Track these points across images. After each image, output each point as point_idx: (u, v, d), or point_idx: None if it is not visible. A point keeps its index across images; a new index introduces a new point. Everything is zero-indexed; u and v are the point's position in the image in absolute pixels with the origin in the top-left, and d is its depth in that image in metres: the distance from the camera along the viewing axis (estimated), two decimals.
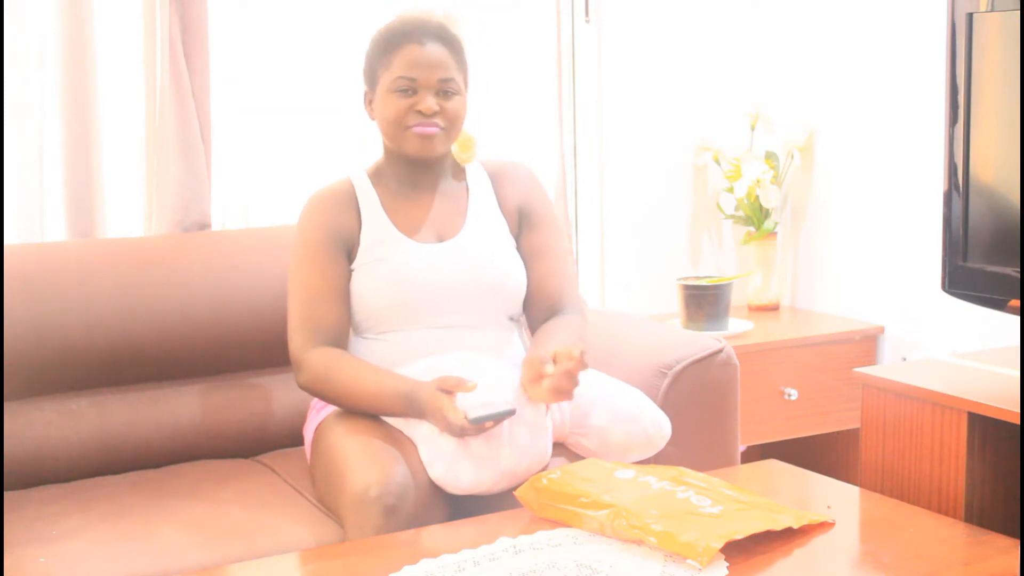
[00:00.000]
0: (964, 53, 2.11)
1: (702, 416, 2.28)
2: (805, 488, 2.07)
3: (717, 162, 3.23)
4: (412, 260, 2.14)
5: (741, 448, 2.57)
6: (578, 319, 2.20)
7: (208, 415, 2.37)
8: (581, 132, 3.16)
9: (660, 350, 2.30)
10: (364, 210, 2.18)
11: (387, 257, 2.14)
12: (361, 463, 1.91)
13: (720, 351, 2.30)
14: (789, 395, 2.93)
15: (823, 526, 1.79)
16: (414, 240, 2.17)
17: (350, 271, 2.16)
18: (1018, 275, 2.05)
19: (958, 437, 2.08)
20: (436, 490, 1.96)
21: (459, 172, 2.27)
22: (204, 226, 2.61)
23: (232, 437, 2.39)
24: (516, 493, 1.88)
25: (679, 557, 1.64)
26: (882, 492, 2.22)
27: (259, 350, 2.43)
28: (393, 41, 2.13)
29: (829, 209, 3.21)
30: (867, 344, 3.05)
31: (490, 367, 2.04)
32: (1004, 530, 2.01)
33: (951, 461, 2.09)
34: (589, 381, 2.12)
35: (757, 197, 3.16)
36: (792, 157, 3.24)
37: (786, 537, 1.74)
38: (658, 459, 2.11)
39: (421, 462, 1.96)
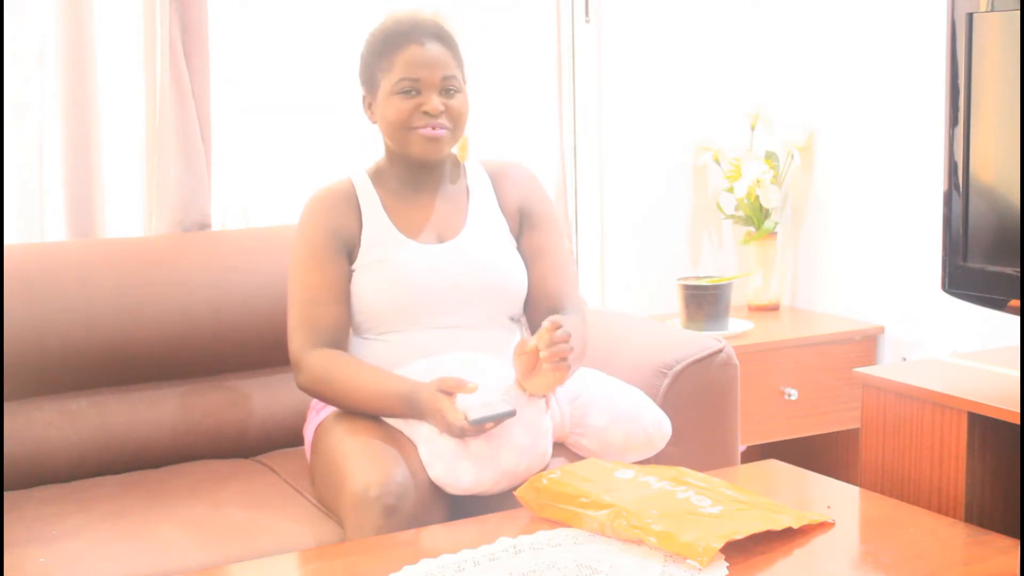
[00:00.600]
0: (964, 53, 2.11)
1: (702, 416, 2.27)
2: (805, 488, 2.07)
3: (717, 162, 3.23)
4: (413, 261, 2.14)
5: (741, 448, 2.57)
6: (578, 319, 2.20)
7: (208, 415, 2.37)
8: (581, 132, 3.16)
9: (660, 350, 2.30)
10: (365, 211, 2.18)
11: (388, 258, 2.14)
12: (361, 463, 1.91)
13: (720, 351, 2.30)
14: (789, 395, 2.93)
15: (823, 526, 1.79)
16: (415, 241, 2.17)
17: (350, 272, 2.16)
18: (1018, 275, 2.05)
19: (958, 437, 2.08)
20: (436, 490, 1.96)
21: (459, 172, 2.27)
22: (204, 226, 2.61)
23: (232, 437, 2.39)
24: (516, 493, 1.88)
25: (679, 557, 1.64)
26: (882, 492, 2.22)
27: (259, 350, 2.43)
28: (392, 43, 2.12)
29: (829, 209, 3.21)
30: (867, 344, 3.05)
31: (490, 367, 2.04)
32: (1004, 530, 2.01)
33: (951, 461, 2.09)
34: (589, 381, 2.12)
35: (757, 197, 3.16)
36: (792, 157, 3.24)
37: (786, 537, 1.74)
38: (658, 459, 2.11)
39: (421, 462, 1.96)
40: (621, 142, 3.17)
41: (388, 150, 2.21)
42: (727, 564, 1.64)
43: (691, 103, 3.24)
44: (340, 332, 2.13)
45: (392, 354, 2.11)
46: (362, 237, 2.16)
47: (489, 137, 2.96)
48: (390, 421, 2.05)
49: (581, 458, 2.04)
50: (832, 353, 3.00)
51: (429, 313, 2.13)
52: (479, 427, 1.90)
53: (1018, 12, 2.00)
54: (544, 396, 2.02)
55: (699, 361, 2.27)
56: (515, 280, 2.20)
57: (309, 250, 2.14)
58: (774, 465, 2.15)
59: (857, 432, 2.80)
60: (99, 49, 2.53)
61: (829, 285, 3.23)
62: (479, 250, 2.19)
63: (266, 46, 2.78)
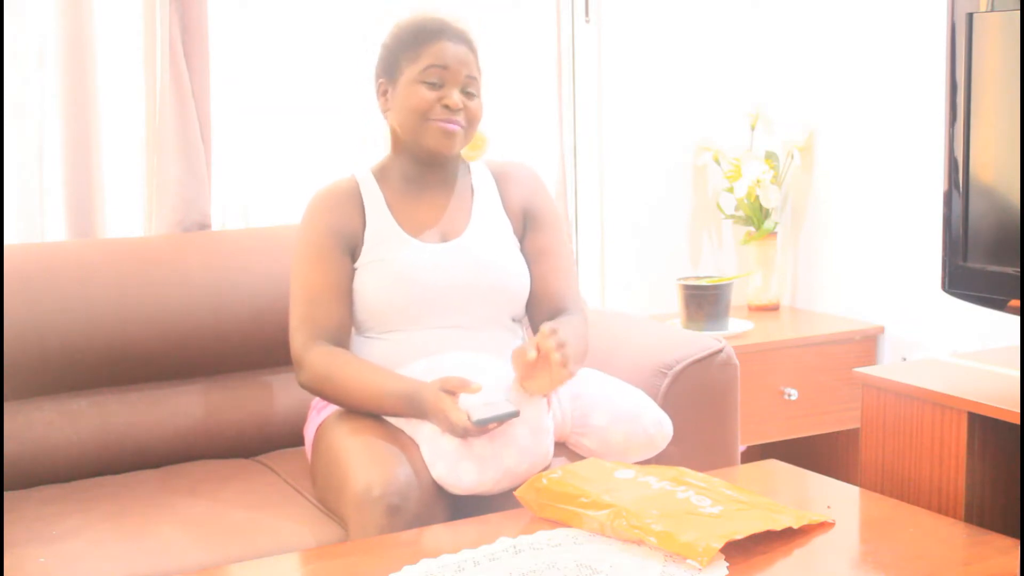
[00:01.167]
0: (964, 53, 2.11)
1: (702, 416, 2.27)
2: (805, 488, 2.07)
3: (717, 162, 3.23)
4: (416, 260, 2.14)
5: (741, 448, 2.57)
6: (579, 320, 2.20)
7: (208, 415, 2.37)
8: (581, 132, 3.16)
9: (660, 350, 2.30)
10: (368, 209, 2.18)
11: (391, 256, 2.14)
12: (363, 463, 1.91)
13: (720, 351, 2.30)
14: (789, 395, 2.93)
15: (823, 526, 1.79)
16: (418, 240, 2.17)
17: (353, 270, 2.16)
18: (1018, 275, 2.05)
19: (958, 437, 2.08)
20: (438, 490, 1.96)
21: (464, 172, 2.27)
22: (204, 226, 2.61)
23: (232, 437, 2.39)
24: (516, 493, 1.88)
25: (679, 557, 1.64)
26: (882, 492, 2.22)
27: (259, 350, 2.43)
28: (423, 35, 2.13)
29: (829, 209, 3.21)
30: (867, 344, 3.05)
31: (492, 367, 2.04)
32: (1004, 530, 2.01)
33: (951, 461, 2.09)
34: (589, 381, 2.12)
35: (757, 197, 3.16)
36: (792, 157, 3.25)
37: (786, 537, 1.74)
38: (658, 459, 2.11)
39: (423, 462, 1.96)
40: (621, 142, 3.17)
41: (396, 144, 2.21)
42: (727, 564, 1.64)
43: (691, 103, 3.24)
44: (342, 330, 2.13)
45: (394, 353, 2.11)
46: (365, 235, 2.16)
47: (489, 137, 2.96)
48: (392, 420, 2.05)
49: (582, 458, 2.04)
50: (832, 353, 3.00)
51: (431, 312, 2.13)
52: (483, 428, 1.90)
53: (1018, 12, 2.00)
54: (545, 396, 2.02)
55: (699, 361, 2.27)
56: (518, 280, 2.20)
57: (312, 248, 2.14)
58: (774, 465, 2.15)
59: (857, 432, 2.80)
60: (99, 49, 2.53)
61: (829, 285, 3.23)
62: (483, 250, 2.19)
63: (266, 46, 2.78)
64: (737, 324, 3.00)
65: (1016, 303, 2.08)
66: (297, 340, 2.11)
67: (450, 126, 2.12)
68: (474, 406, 1.91)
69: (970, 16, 2.10)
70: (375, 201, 2.18)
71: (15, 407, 2.24)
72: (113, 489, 2.19)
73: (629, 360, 2.31)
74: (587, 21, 3.12)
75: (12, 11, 2.44)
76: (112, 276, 2.34)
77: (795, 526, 1.75)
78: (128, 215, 2.63)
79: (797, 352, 2.96)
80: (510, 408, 1.91)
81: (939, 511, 2.10)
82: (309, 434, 2.19)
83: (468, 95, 2.14)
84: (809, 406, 2.97)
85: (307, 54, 2.82)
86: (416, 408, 1.97)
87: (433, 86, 2.11)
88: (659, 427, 2.10)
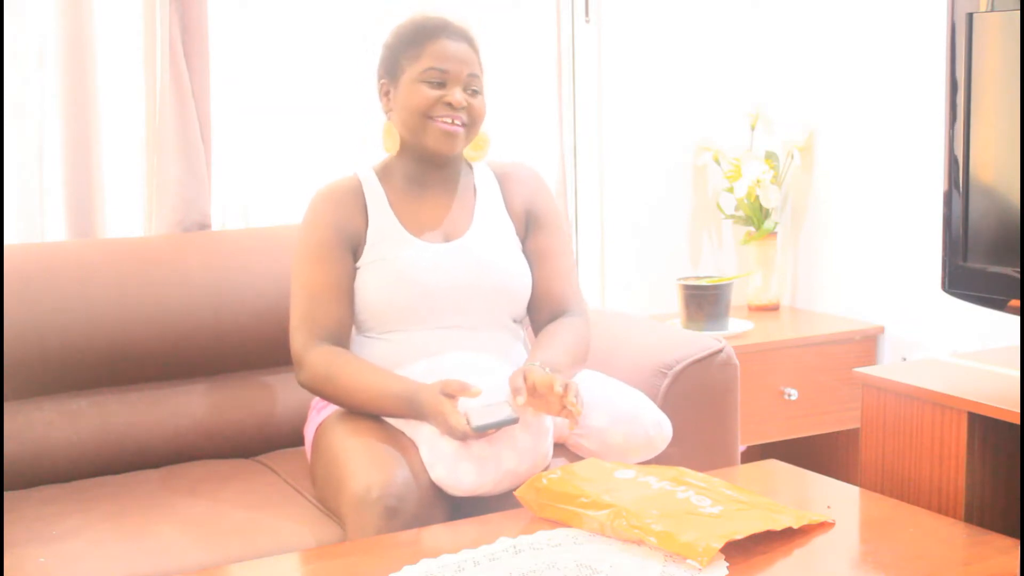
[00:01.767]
0: (964, 53, 2.11)
1: (702, 416, 2.27)
2: (805, 488, 2.07)
3: (717, 162, 3.23)
4: (418, 259, 2.14)
5: (741, 448, 2.57)
6: (581, 322, 2.20)
7: (208, 415, 2.37)
8: (581, 132, 3.16)
9: (660, 350, 2.30)
10: (371, 208, 2.17)
11: (393, 256, 2.14)
12: (362, 464, 1.91)
13: (720, 351, 2.30)
14: (789, 395, 2.93)
15: (823, 526, 1.79)
16: (420, 239, 2.17)
17: (355, 269, 2.16)
18: (1018, 275, 2.05)
19: (958, 437, 2.08)
20: (437, 491, 1.95)
21: (467, 172, 2.27)
22: (204, 226, 2.61)
23: (232, 437, 2.39)
24: (516, 493, 1.88)
25: (679, 557, 1.64)
26: (882, 492, 2.22)
27: (259, 350, 2.43)
28: (424, 34, 2.13)
29: (829, 209, 3.21)
30: (867, 344, 3.05)
31: (492, 369, 2.04)
32: (1004, 530, 2.01)
33: (951, 461, 2.09)
34: (589, 382, 2.12)
35: (757, 197, 3.16)
36: (792, 157, 3.24)
37: (786, 537, 1.74)
38: (658, 459, 2.11)
39: (422, 463, 1.96)
40: (621, 142, 3.17)
41: (402, 140, 2.20)
42: (727, 564, 1.64)
43: (691, 103, 3.24)
44: (343, 329, 2.13)
45: (394, 353, 2.11)
46: (367, 234, 2.16)
47: (491, 137, 2.95)
48: (391, 421, 2.05)
49: (581, 459, 2.04)
50: (832, 353, 3.00)
51: (432, 312, 2.13)
52: (481, 433, 1.90)
53: (1018, 12, 2.00)
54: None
55: (699, 361, 2.27)
56: (520, 281, 2.20)
57: (313, 246, 2.14)
58: (774, 465, 2.15)
59: (857, 432, 2.80)
60: (99, 49, 2.53)
61: (829, 285, 3.23)
62: (485, 250, 2.19)
63: (266, 46, 2.78)
64: (737, 324, 3.00)
65: (1016, 303, 2.08)
66: (297, 339, 2.11)
67: (452, 127, 2.12)
68: (473, 410, 1.90)
69: (970, 16, 2.10)
70: (377, 200, 2.18)
71: (15, 407, 2.24)
72: (113, 489, 2.19)
73: (629, 360, 2.31)
74: (587, 21, 3.12)
75: (12, 11, 2.44)
76: (112, 276, 2.33)
77: (795, 526, 1.75)
78: (128, 215, 2.63)
79: (797, 352, 2.96)
80: (510, 414, 1.91)
81: (939, 511, 2.10)
82: (309, 434, 2.18)
83: (471, 93, 2.14)
84: (809, 406, 2.97)
85: (307, 54, 2.82)
86: (415, 410, 1.97)
87: (435, 85, 2.11)
88: (658, 428, 2.10)
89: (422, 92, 2.11)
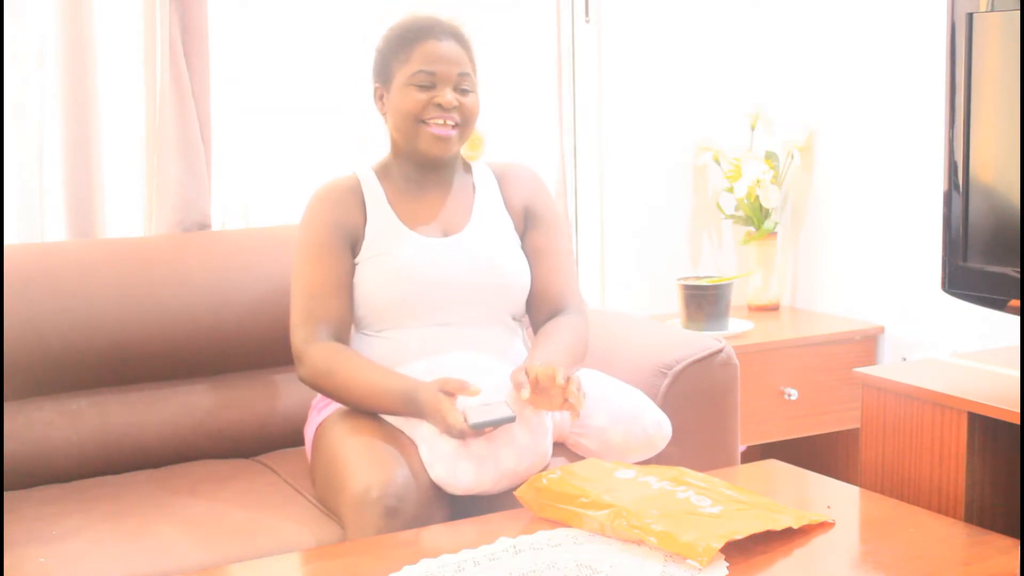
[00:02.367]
0: (964, 53, 2.11)
1: (702, 416, 2.27)
2: (805, 488, 2.07)
3: (717, 162, 3.23)
4: (417, 255, 2.14)
5: (741, 448, 2.57)
6: (579, 320, 2.20)
7: (208, 415, 2.37)
8: (581, 132, 3.16)
9: (660, 350, 2.30)
10: (370, 205, 2.18)
11: (392, 251, 2.14)
12: (362, 464, 1.91)
13: (720, 351, 2.30)
14: (789, 395, 2.93)
15: (823, 526, 1.79)
16: (419, 235, 2.17)
17: (354, 266, 2.16)
18: (1018, 275, 2.05)
19: (958, 437, 2.08)
20: (437, 491, 1.95)
21: (466, 171, 2.28)
22: (204, 226, 2.61)
23: (232, 437, 2.39)
24: (516, 493, 1.88)
25: (679, 557, 1.64)
26: (882, 492, 2.22)
27: (259, 350, 2.43)
28: (411, 37, 2.13)
29: (829, 209, 3.21)
30: (867, 344, 3.05)
31: (491, 368, 2.04)
32: (1004, 530, 2.01)
33: (951, 461, 2.09)
34: (589, 381, 2.12)
35: (757, 197, 3.16)
36: (792, 157, 3.25)
37: (786, 537, 1.74)
38: (658, 459, 2.11)
39: (422, 463, 1.96)
40: (621, 142, 3.17)
41: (395, 147, 2.21)
42: (727, 564, 1.64)
43: (691, 103, 3.24)
44: (343, 325, 2.13)
45: (393, 351, 2.11)
46: (366, 230, 2.16)
47: (489, 137, 2.95)
48: (391, 420, 2.05)
49: (581, 458, 2.04)
50: (832, 353, 3.00)
51: (431, 308, 2.13)
52: (479, 431, 1.90)
53: (1018, 12, 2.00)
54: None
55: (699, 361, 2.27)
56: (518, 278, 2.20)
57: (313, 243, 2.15)
58: (774, 465, 2.15)
59: (857, 432, 2.80)
60: (99, 49, 2.53)
61: (829, 285, 3.23)
62: (483, 246, 2.19)
63: (266, 46, 2.78)
64: (737, 324, 3.00)
65: (1016, 303, 2.08)
66: (298, 335, 2.11)
67: (444, 130, 2.12)
68: (471, 408, 1.90)
69: (970, 16, 2.10)
70: (376, 197, 2.19)
71: (15, 407, 2.24)
72: (113, 489, 2.19)
73: (629, 360, 2.31)
74: (587, 21, 3.12)
75: (12, 11, 2.44)
76: (112, 276, 2.34)
77: (795, 526, 1.75)
78: (128, 215, 2.63)
79: (797, 352, 2.96)
80: (507, 412, 1.91)
81: (939, 511, 2.10)
82: (309, 434, 2.19)
83: (462, 92, 2.14)
84: (809, 406, 2.97)
85: (307, 54, 2.82)
86: (414, 407, 1.97)
87: (424, 87, 2.11)
88: (658, 428, 2.10)
89: (412, 96, 2.11)
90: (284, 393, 2.42)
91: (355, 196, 2.18)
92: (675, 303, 3.06)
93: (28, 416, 2.24)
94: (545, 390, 1.92)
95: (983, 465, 2.09)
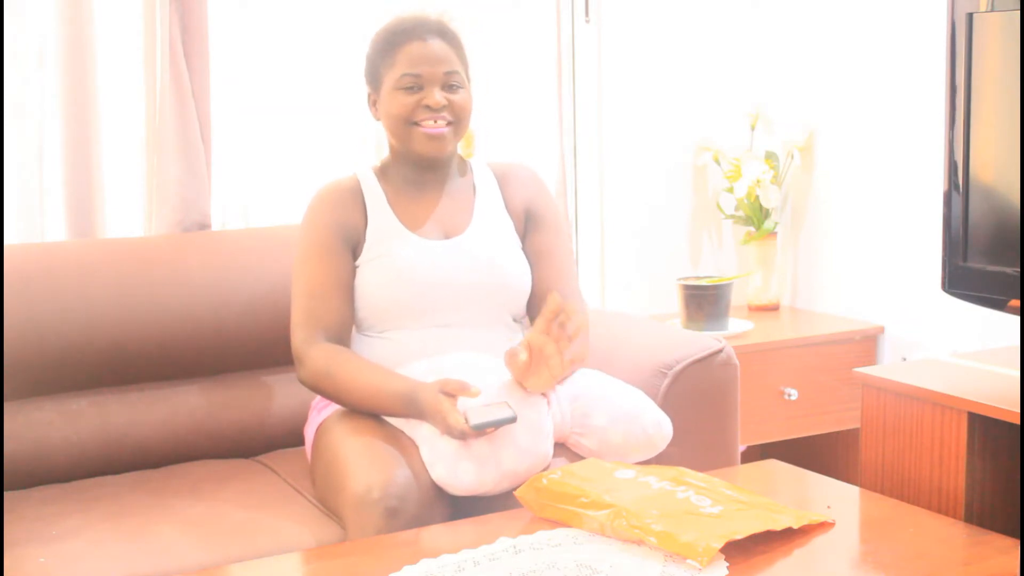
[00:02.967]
0: (964, 53, 2.11)
1: (702, 416, 2.27)
2: (805, 488, 2.07)
3: (717, 162, 3.23)
4: (418, 257, 2.14)
5: (741, 448, 2.56)
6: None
7: (208, 415, 2.37)
8: (581, 132, 3.16)
9: (660, 350, 2.30)
10: (370, 206, 2.18)
11: (393, 253, 2.14)
12: (363, 464, 1.91)
13: (720, 351, 2.29)
14: (789, 395, 2.93)
15: (823, 526, 1.79)
16: (420, 237, 2.17)
17: (355, 267, 2.16)
18: (1018, 275, 2.05)
19: (958, 437, 2.08)
20: (438, 491, 1.95)
21: (466, 171, 2.28)
22: (204, 226, 2.61)
23: (232, 437, 2.39)
24: (516, 493, 1.88)
25: (679, 557, 1.64)
26: (882, 492, 2.22)
27: (259, 350, 2.43)
28: (395, 39, 2.13)
29: (829, 209, 3.21)
30: (867, 344, 3.05)
31: (492, 368, 2.04)
32: (1004, 530, 2.01)
33: (951, 461, 2.09)
34: (589, 381, 2.12)
35: (757, 197, 3.16)
36: (792, 157, 3.24)
37: (786, 537, 1.74)
38: (658, 459, 2.11)
39: (423, 464, 1.96)
40: (621, 142, 3.17)
41: (392, 149, 2.22)
42: (727, 564, 1.64)
43: (691, 103, 3.24)
44: (343, 327, 2.13)
45: (393, 352, 2.11)
46: (367, 232, 2.16)
47: (489, 137, 2.96)
48: (391, 421, 2.05)
49: (582, 458, 2.04)
50: (832, 353, 3.00)
51: (432, 310, 2.13)
52: (480, 432, 1.90)
53: (1018, 12, 2.00)
54: (545, 395, 2.02)
55: (699, 361, 2.27)
56: (519, 279, 2.20)
57: (314, 245, 2.15)
58: (774, 465, 2.15)
59: (857, 432, 2.80)
60: (99, 49, 2.53)
61: (829, 285, 3.23)
62: (484, 248, 2.19)
63: (266, 46, 2.78)
64: (737, 324, 3.00)
65: (1016, 303, 2.08)
66: (298, 336, 2.11)
67: (436, 130, 2.12)
68: (472, 409, 1.90)
69: (970, 16, 2.10)
70: (376, 198, 2.18)
71: (15, 407, 2.24)
72: (113, 489, 2.19)
73: (629, 360, 2.31)
74: (587, 21, 3.12)
75: (12, 11, 2.44)
76: (112, 276, 2.34)
77: (795, 526, 1.75)
78: (128, 215, 2.63)
79: (797, 352, 2.96)
80: (508, 413, 1.91)
81: (939, 511, 2.10)
82: (309, 434, 2.19)
83: (451, 90, 2.13)
84: (809, 406, 2.97)
85: (307, 54, 2.82)
86: (414, 408, 1.97)
87: (412, 90, 2.11)
88: (659, 428, 2.09)
89: (400, 99, 2.11)
90: (284, 393, 2.42)
91: (355, 197, 2.18)
92: (675, 303, 3.06)
93: (28, 416, 2.24)
94: (543, 357, 1.91)
95: (983, 465, 2.09)
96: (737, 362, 2.33)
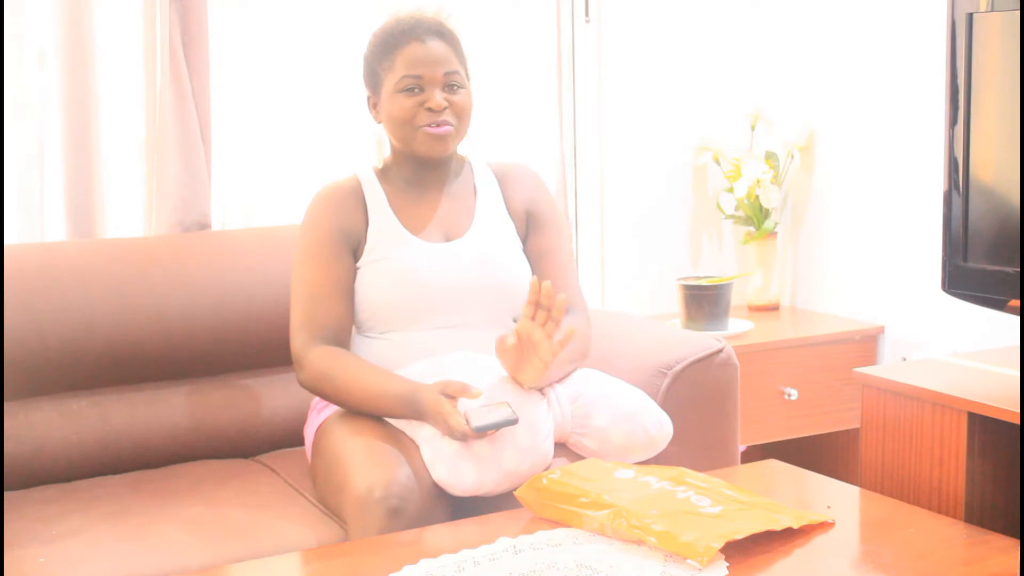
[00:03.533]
0: (964, 53, 2.11)
1: (702, 416, 2.27)
2: (805, 488, 2.07)
3: (717, 162, 3.23)
4: (419, 259, 2.14)
5: (741, 448, 2.56)
6: (582, 320, 2.20)
7: (208, 415, 2.37)
8: (581, 132, 3.16)
9: (660, 350, 2.30)
10: (371, 208, 2.17)
11: (394, 256, 2.14)
12: (364, 465, 1.91)
13: (720, 351, 2.29)
14: (789, 395, 2.93)
15: (823, 526, 1.79)
16: (421, 239, 2.17)
17: (355, 269, 2.16)
18: (1018, 275, 2.05)
19: (958, 437, 2.08)
20: (439, 491, 1.95)
21: (466, 172, 2.27)
22: (204, 226, 2.61)
23: (232, 437, 2.39)
24: (516, 493, 1.88)
25: (679, 557, 1.64)
26: (882, 492, 2.22)
27: (259, 350, 2.43)
28: (393, 41, 2.13)
29: (829, 209, 3.21)
30: (867, 344, 3.05)
31: (491, 366, 2.04)
32: (1004, 530, 2.01)
33: (951, 461, 2.09)
34: (590, 381, 2.12)
35: (757, 197, 3.16)
36: (792, 157, 3.24)
37: (786, 537, 1.74)
38: (658, 459, 2.11)
39: (424, 464, 1.96)
40: (621, 142, 3.17)
41: (394, 149, 2.21)
42: (727, 564, 1.64)
43: (691, 103, 3.24)
44: (343, 330, 2.13)
45: (394, 353, 2.11)
46: (368, 234, 2.16)
47: (489, 137, 2.96)
48: (392, 421, 2.05)
49: (582, 458, 2.04)
50: (832, 353, 3.00)
51: (433, 312, 2.13)
52: (481, 434, 1.90)
53: (1018, 12, 2.00)
54: (545, 395, 2.02)
55: (699, 361, 2.27)
56: (520, 280, 2.20)
57: (314, 246, 2.14)
58: (774, 465, 2.15)
59: (857, 432, 2.80)
60: (99, 49, 2.53)
61: (829, 285, 3.23)
62: (485, 250, 2.19)
63: (266, 46, 2.78)
64: (737, 324, 3.00)
65: (1016, 303, 2.08)
66: (298, 339, 2.11)
67: (438, 129, 2.11)
68: (473, 411, 1.90)
69: (970, 16, 2.10)
70: (377, 200, 2.18)
71: (15, 407, 2.24)
72: (113, 489, 2.19)
73: (629, 360, 2.31)
74: (587, 21, 3.12)
75: (12, 11, 2.44)
76: (112, 276, 2.33)
77: (795, 526, 1.75)
78: (128, 215, 2.63)
79: (797, 352, 2.96)
80: (509, 414, 1.90)
81: (939, 511, 2.10)
82: (309, 434, 2.18)
83: (451, 90, 2.13)
84: (809, 406, 2.97)
85: (308, 54, 2.82)
86: (415, 410, 1.97)
87: (412, 92, 2.11)
88: (659, 428, 2.09)
89: (401, 103, 2.11)
90: (284, 393, 2.42)
91: (356, 199, 2.18)
92: (675, 303, 3.06)
93: (28, 416, 2.24)
94: (532, 344, 1.91)
95: (983, 465, 2.09)
96: (737, 362, 2.33)
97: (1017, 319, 2.32)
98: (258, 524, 2.00)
